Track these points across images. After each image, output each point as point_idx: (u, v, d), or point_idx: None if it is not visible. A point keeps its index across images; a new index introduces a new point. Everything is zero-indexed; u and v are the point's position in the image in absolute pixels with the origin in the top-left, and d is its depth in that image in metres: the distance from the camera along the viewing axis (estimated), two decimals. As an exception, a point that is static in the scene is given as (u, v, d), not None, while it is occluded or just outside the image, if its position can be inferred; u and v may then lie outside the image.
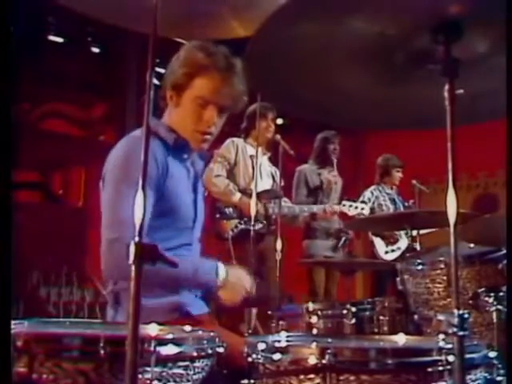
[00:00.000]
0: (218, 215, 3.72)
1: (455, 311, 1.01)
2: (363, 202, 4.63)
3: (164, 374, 1.02)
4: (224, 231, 3.67)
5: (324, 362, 1.06)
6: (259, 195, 3.52)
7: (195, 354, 1.07)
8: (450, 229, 1.05)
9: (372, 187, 5.08)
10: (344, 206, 4.01)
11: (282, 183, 3.63)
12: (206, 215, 2.03)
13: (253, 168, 3.78)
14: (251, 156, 3.83)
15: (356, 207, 4.00)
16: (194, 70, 1.77)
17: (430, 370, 1.07)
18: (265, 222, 3.73)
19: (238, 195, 3.70)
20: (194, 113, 1.80)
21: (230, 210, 3.72)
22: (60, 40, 6.54)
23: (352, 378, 1.06)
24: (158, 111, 1.88)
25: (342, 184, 4.62)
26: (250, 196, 3.58)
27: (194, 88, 1.78)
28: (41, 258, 6.44)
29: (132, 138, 1.78)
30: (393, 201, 5.03)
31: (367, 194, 5.02)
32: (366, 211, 4.01)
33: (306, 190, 4.43)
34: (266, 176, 3.90)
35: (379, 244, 4.90)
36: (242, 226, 3.68)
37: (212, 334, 1.16)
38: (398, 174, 5.09)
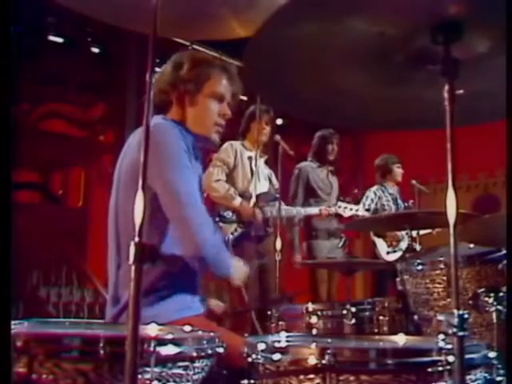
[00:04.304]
0: (217, 219, 3.72)
1: (455, 311, 1.01)
2: (360, 202, 4.65)
3: (164, 374, 1.02)
4: (224, 235, 3.67)
5: (324, 362, 1.06)
6: (257, 197, 3.54)
7: (195, 354, 1.07)
8: (450, 229, 1.05)
9: (375, 187, 5.06)
10: (340, 207, 4.03)
11: (277, 186, 3.64)
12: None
13: (251, 170, 3.79)
14: (249, 158, 3.83)
15: (351, 209, 4.02)
16: (208, 70, 1.89)
17: (430, 370, 1.07)
18: (262, 224, 3.74)
19: (238, 200, 3.69)
20: (213, 108, 1.90)
21: (230, 213, 3.72)
22: (60, 40, 6.54)
23: (352, 378, 1.06)
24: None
25: (341, 184, 4.64)
26: (248, 199, 3.61)
27: (211, 85, 1.89)
28: (41, 258, 6.44)
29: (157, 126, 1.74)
30: (395, 201, 5.02)
31: (370, 194, 5.00)
32: (361, 212, 4.03)
33: (304, 189, 4.45)
34: (262, 179, 3.91)
35: (381, 244, 4.89)
36: (242, 230, 3.69)
37: (212, 334, 1.16)
38: (399, 170, 5.08)
